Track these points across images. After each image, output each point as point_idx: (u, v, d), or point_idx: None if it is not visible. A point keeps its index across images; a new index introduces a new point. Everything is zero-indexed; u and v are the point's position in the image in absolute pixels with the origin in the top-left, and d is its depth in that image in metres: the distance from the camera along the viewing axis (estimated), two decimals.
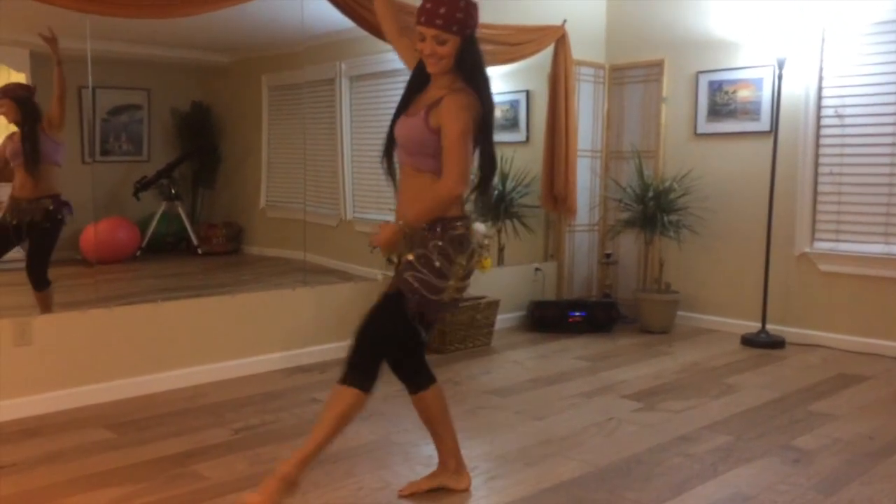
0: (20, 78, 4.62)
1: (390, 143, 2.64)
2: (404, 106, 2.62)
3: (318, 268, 5.19)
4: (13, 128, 4.29)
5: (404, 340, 2.61)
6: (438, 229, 2.47)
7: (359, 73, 5.74)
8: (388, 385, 4.03)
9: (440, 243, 2.47)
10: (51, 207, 4.26)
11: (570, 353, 4.90)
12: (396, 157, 2.65)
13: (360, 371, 2.49)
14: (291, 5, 4.40)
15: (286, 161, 5.84)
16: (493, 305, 5.09)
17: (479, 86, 2.51)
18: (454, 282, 2.50)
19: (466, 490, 2.77)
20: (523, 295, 5.67)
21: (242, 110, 5.93)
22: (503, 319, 5.41)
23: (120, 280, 4.91)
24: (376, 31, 4.42)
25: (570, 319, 5.48)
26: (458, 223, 2.51)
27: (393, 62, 5.30)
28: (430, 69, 2.52)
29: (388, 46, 4.46)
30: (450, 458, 2.78)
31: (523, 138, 5.94)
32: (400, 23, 2.85)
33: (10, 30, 4.49)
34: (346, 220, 5.86)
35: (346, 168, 5.85)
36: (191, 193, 5.78)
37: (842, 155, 4.99)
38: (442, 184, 2.44)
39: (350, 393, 2.46)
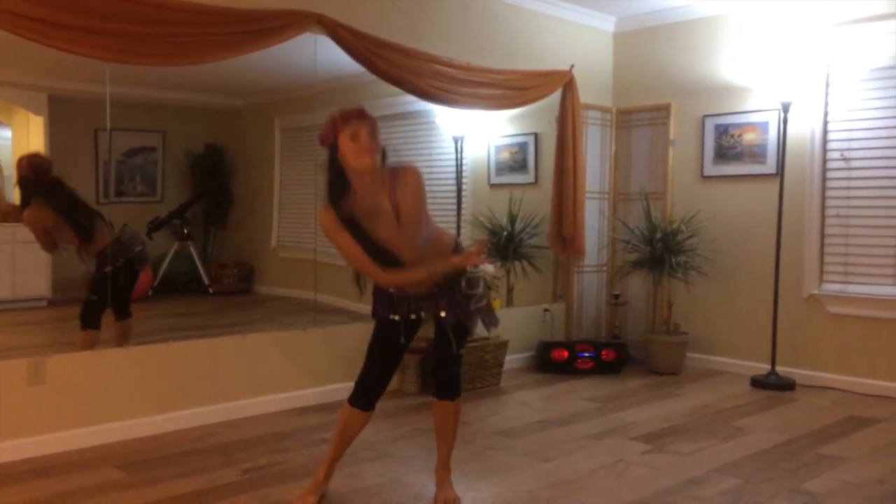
0: (39, 121, 4.73)
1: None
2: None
3: (329, 308, 5.21)
4: None
5: None
6: None
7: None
8: (399, 427, 4.05)
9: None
10: None
11: (578, 394, 4.89)
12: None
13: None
14: (305, 51, 4.49)
15: (297, 202, 5.91)
16: (502, 346, 5.10)
17: None
18: None
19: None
20: (532, 335, 5.68)
21: (255, 152, 6.03)
22: (512, 360, 5.42)
23: (132, 319, 4.94)
24: (386, 77, 4.53)
25: (580, 360, 5.48)
26: None
27: (402, 105, 5.45)
28: (370, 163, 2.64)
29: (398, 91, 4.59)
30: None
31: (532, 180, 6.01)
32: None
33: (29, 74, 4.60)
34: None
35: None
36: (203, 233, 5.86)
37: (848, 197, 5.03)
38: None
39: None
